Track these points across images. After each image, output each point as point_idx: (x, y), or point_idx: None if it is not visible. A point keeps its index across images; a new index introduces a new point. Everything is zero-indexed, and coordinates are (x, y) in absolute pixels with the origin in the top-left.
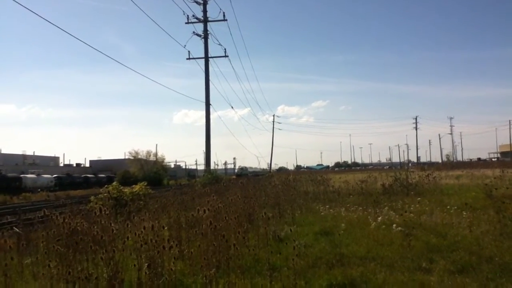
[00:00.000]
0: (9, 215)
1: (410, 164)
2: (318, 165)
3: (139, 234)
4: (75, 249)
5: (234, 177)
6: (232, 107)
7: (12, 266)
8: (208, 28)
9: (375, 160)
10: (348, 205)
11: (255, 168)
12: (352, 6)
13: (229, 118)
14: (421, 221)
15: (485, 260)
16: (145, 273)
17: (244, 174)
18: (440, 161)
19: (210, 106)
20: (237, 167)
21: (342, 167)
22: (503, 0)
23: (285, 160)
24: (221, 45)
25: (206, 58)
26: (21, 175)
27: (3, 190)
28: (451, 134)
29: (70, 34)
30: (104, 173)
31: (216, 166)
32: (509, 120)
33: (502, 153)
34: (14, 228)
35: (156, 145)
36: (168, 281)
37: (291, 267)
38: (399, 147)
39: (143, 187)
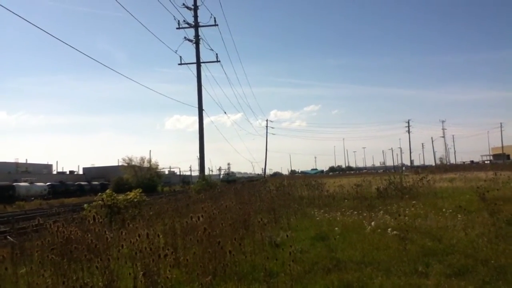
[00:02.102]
0: (2, 224)
1: (404, 168)
2: (312, 169)
3: (134, 242)
4: (69, 258)
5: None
6: (225, 112)
7: (7, 277)
8: (200, 33)
9: (369, 164)
10: (343, 209)
11: (249, 173)
12: (344, 10)
13: (222, 123)
14: (416, 225)
15: (481, 263)
16: (141, 281)
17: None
18: (434, 164)
19: (203, 111)
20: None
21: (336, 171)
22: (495, 4)
23: (280, 165)
24: (212, 50)
25: (198, 63)
26: (14, 184)
27: None
28: (443, 137)
29: (61, 41)
30: (98, 180)
31: (210, 172)
32: (500, 123)
33: (495, 156)
34: (7, 237)
35: (150, 151)
36: None
37: (288, 273)
38: (392, 150)
39: (137, 194)
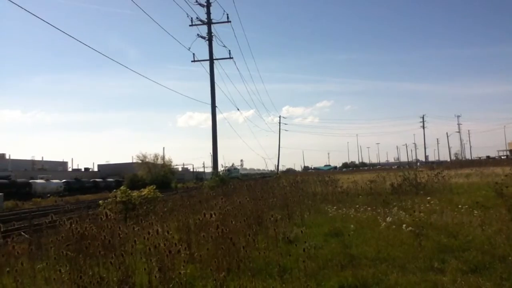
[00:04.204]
0: (19, 220)
1: (418, 163)
2: (325, 165)
3: (149, 238)
4: (85, 254)
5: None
6: (238, 109)
7: (25, 271)
8: (212, 30)
9: (383, 160)
10: (357, 205)
11: (262, 169)
12: (356, 5)
13: (234, 119)
14: (431, 221)
15: (498, 259)
16: (156, 276)
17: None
18: (449, 159)
19: (216, 108)
20: (222, 168)
21: (349, 167)
22: None
23: (292, 161)
24: (225, 46)
25: (211, 60)
26: (31, 181)
27: (13, 195)
28: (459, 132)
29: (75, 38)
30: (112, 177)
31: (223, 169)
32: None
33: None
34: (21, 233)
35: (163, 148)
36: (179, 284)
37: (302, 269)
38: (406, 146)
39: (151, 190)
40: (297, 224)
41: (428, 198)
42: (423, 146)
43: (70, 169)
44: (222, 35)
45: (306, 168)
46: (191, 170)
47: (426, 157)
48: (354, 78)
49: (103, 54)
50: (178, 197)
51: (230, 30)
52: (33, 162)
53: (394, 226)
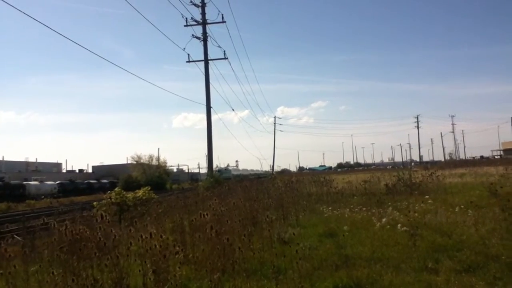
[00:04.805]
0: (13, 222)
1: (412, 163)
2: (320, 166)
3: (143, 239)
4: (79, 256)
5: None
6: (233, 109)
7: (18, 274)
8: (207, 30)
9: (377, 160)
10: (351, 206)
11: (257, 170)
12: (351, 6)
13: (229, 120)
14: (425, 221)
15: (492, 259)
16: (150, 278)
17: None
18: (443, 159)
19: (211, 108)
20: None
21: (344, 167)
22: None
23: (287, 161)
24: (220, 47)
25: (206, 61)
26: (25, 182)
27: (7, 197)
28: (453, 132)
29: (69, 39)
30: (107, 178)
31: None
32: (511, 117)
33: (505, 151)
34: (14, 236)
35: (158, 149)
36: (174, 286)
37: (296, 270)
38: (401, 146)
39: (146, 191)
40: (292, 224)
41: (427, 196)
42: (418, 146)
43: (64, 171)
44: (217, 35)
45: (301, 169)
46: (186, 171)
47: (420, 157)
48: (349, 79)
49: (97, 55)
50: (173, 198)
51: (225, 30)
52: (27, 164)
53: (388, 226)
